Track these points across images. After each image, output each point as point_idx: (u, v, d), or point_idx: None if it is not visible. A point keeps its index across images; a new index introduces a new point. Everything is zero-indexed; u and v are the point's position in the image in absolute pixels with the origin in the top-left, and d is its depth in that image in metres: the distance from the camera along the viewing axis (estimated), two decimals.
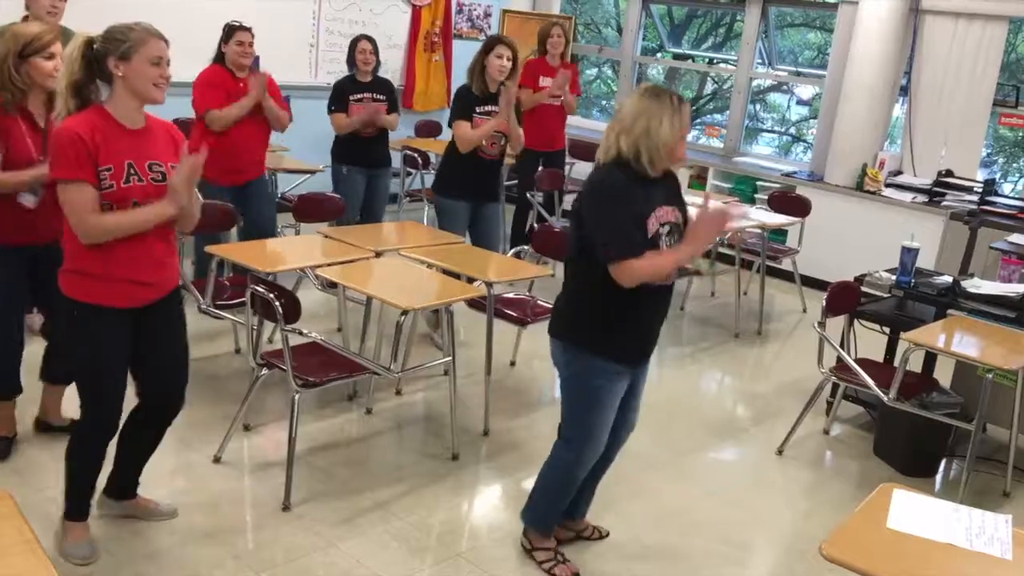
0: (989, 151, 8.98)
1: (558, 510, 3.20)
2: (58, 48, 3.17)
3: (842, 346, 4.31)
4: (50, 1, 3.98)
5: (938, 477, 4.26)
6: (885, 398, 3.96)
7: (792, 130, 10.57)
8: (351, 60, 5.71)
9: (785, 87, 10.06)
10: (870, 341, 4.61)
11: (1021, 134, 8.83)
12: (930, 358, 4.50)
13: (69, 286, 2.78)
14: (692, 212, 2.96)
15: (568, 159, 7.23)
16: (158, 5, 6.23)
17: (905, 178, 6.90)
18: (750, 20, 7.94)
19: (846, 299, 4.33)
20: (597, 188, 2.84)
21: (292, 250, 4.40)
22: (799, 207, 6.47)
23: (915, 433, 4.14)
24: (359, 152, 5.76)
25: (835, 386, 4.55)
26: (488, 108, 4.88)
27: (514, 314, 4.48)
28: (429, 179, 7.49)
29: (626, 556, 3.35)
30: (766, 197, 6.95)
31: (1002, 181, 8.10)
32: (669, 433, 4.32)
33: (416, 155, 6.96)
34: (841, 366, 4.19)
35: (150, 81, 2.72)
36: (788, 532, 3.69)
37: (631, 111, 2.80)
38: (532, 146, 6.34)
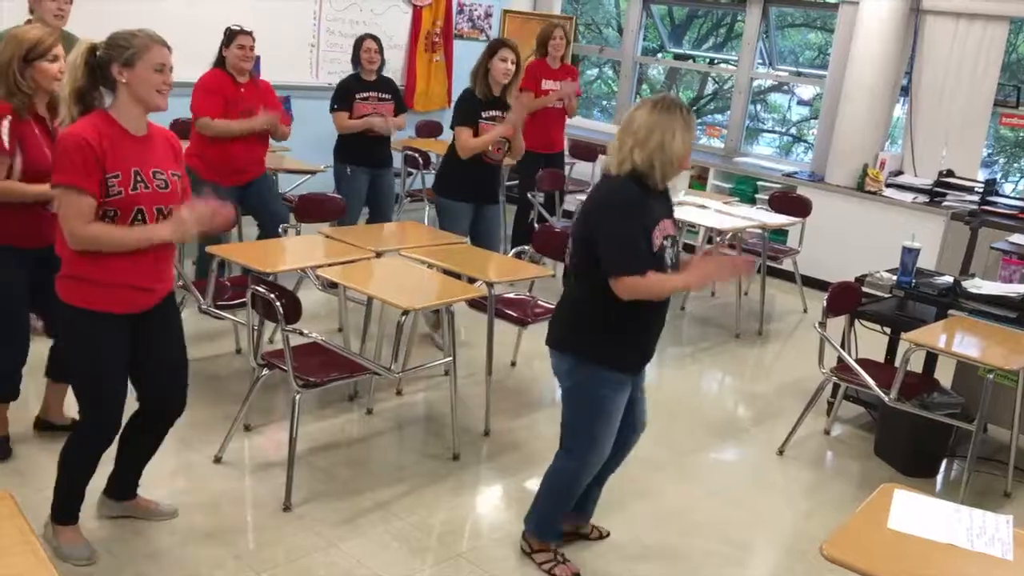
0: (990, 151, 8.98)
1: (560, 519, 3.20)
2: (60, 51, 3.19)
3: (843, 346, 4.31)
4: (56, 4, 3.98)
5: (939, 477, 4.26)
6: (886, 398, 3.96)
7: (793, 130, 10.57)
8: (356, 59, 5.71)
9: (786, 87, 10.06)
10: (871, 341, 4.61)
11: (1022, 134, 8.83)
12: (931, 358, 4.50)
13: (67, 292, 2.78)
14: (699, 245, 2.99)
15: (568, 159, 7.24)
16: (158, 7, 6.24)
17: (906, 178, 6.90)
18: (751, 20, 7.94)
19: (847, 299, 4.33)
20: (612, 200, 2.85)
21: (293, 250, 4.40)
22: (800, 207, 6.47)
23: (916, 433, 4.14)
24: (364, 152, 5.76)
25: (836, 386, 4.55)
26: (493, 113, 4.88)
27: (515, 314, 4.48)
28: (430, 179, 7.49)
29: (627, 556, 3.35)
30: (767, 197, 6.95)
31: (1003, 181, 8.10)
32: (670, 433, 4.32)
33: (417, 155, 6.96)
34: (842, 366, 4.19)
35: (154, 88, 2.73)
36: (789, 532, 3.69)
37: (644, 125, 2.81)
38: (532, 148, 6.33)
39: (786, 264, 6.62)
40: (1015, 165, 9.64)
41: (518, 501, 3.50)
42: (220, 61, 4.99)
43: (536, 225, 6.24)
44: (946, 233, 6.39)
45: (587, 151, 7.71)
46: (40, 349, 3.59)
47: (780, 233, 6.91)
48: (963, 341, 3.98)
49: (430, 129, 7.94)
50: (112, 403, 2.86)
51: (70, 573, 2.88)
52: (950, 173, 6.72)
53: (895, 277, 4.52)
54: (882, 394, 3.97)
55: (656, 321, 2.99)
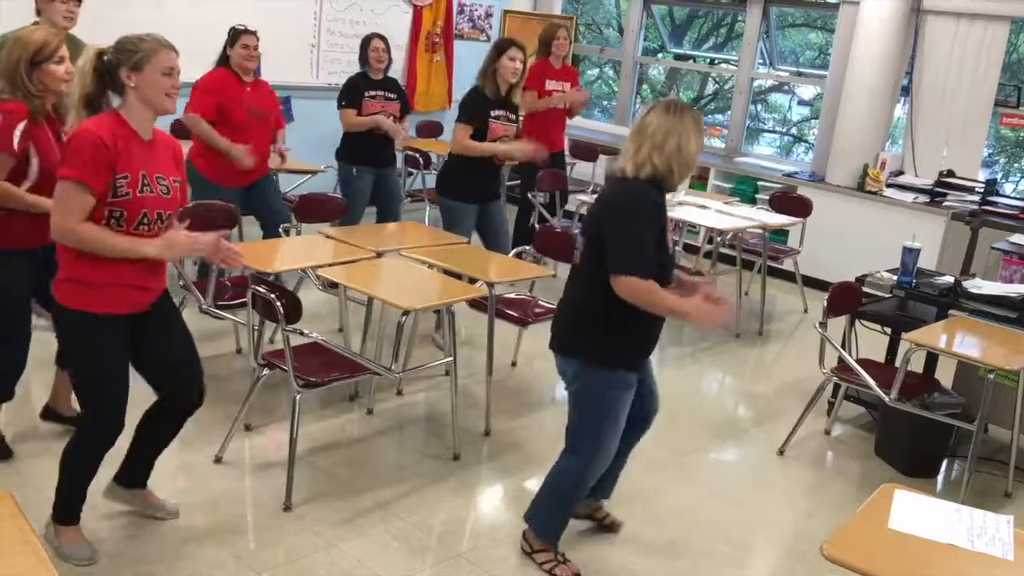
0: (990, 151, 8.98)
1: (564, 519, 3.19)
2: (66, 52, 3.21)
3: (843, 346, 4.31)
4: (66, 7, 4.00)
5: (939, 478, 4.26)
6: (886, 398, 3.96)
7: (793, 130, 10.57)
8: (364, 58, 5.71)
9: (786, 87, 10.06)
10: (871, 341, 4.61)
11: (1022, 134, 8.82)
12: (931, 358, 4.50)
13: (65, 295, 2.78)
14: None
15: (568, 159, 7.24)
16: (160, 7, 6.25)
17: (906, 178, 6.90)
18: (751, 20, 7.94)
19: (847, 299, 4.33)
20: (633, 203, 2.87)
21: (293, 250, 4.40)
22: (800, 207, 6.47)
23: (916, 433, 4.14)
24: (370, 152, 5.76)
25: (836, 386, 4.55)
26: (499, 112, 4.90)
27: (515, 314, 4.48)
28: (430, 179, 7.50)
29: (627, 556, 3.35)
30: (767, 197, 6.95)
31: (1003, 181, 8.10)
32: (670, 433, 4.32)
33: (417, 155, 6.96)
34: (842, 366, 4.19)
35: (162, 91, 2.76)
36: (789, 532, 3.69)
37: (661, 129, 2.86)
38: None
39: (787, 264, 6.62)
40: (1016, 165, 9.64)
41: (518, 501, 3.50)
42: (224, 60, 4.98)
43: (537, 226, 6.24)
44: (947, 233, 6.39)
45: (587, 151, 7.71)
46: (47, 337, 3.56)
47: (781, 233, 6.91)
48: (964, 341, 3.98)
49: (430, 129, 7.95)
50: (114, 403, 2.87)
51: (71, 573, 2.88)
52: (951, 173, 6.72)
53: (896, 277, 4.52)
54: (883, 394, 3.97)
55: (656, 320, 3.00)
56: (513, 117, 5.03)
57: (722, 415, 4.77)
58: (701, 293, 2.92)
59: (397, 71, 7.99)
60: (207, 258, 3.01)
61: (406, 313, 3.65)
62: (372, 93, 5.68)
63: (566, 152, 7.05)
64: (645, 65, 9.57)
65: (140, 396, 3.01)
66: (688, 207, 6.02)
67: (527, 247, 4.97)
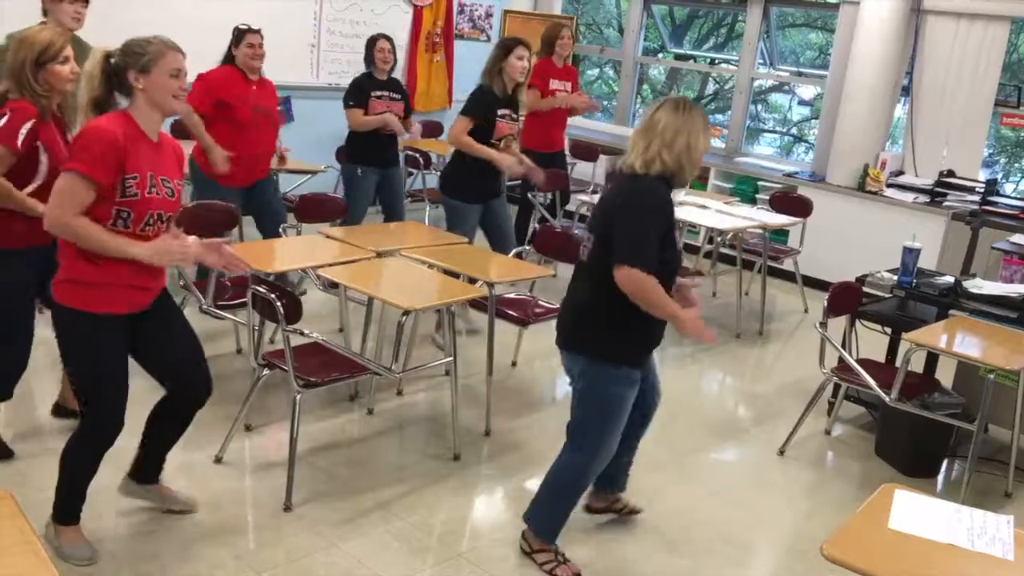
0: (991, 151, 8.98)
1: (565, 516, 3.19)
2: (70, 52, 3.23)
3: (844, 346, 4.31)
4: (74, 8, 4.01)
5: (940, 478, 4.26)
6: (887, 398, 3.96)
7: (794, 130, 10.57)
8: (369, 58, 5.72)
9: (787, 87, 10.06)
10: (871, 341, 4.61)
11: (1022, 134, 8.82)
12: (932, 359, 4.49)
13: (65, 295, 2.78)
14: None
15: (569, 159, 7.23)
16: (160, 7, 6.25)
17: (907, 178, 6.90)
18: (751, 20, 7.94)
19: (848, 299, 4.33)
20: (641, 198, 2.89)
21: (293, 250, 4.40)
22: (800, 207, 6.47)
23: (917, 433, 4.14)
24: (376, 152, 5.76)
25: (836, 386, 4.54)
26: (506, 111, 4.95)
27: (515, 314, 4.48)
28: (431, 179, 7.51)
29: (627, 555, 3.35)
30: (767, 197, 6.95)
31: (1004, 181, 8.10)
32: (670, 433, 4.32)
33: (418, 155, 6.96)
34: (843, 366, 4.19)
35: (170, 93, 2.78)
36: (789, 532, 3.69)
37: (671, 127, 2.89)
38: (533, 147, 6.34)
39: (787, 264, 6.62)
40: (1016, 165, 9.64)
41: (519, 501, 3.50)
42: (229, 59, 4.99)
43: (537, 226, 6.25)
44: (947, 233, 6.39)
45: (587, 151, 7.71)
46: (48, 337, 3.55)
47: (781, 233, 6.91)
48: (964, 341, 3.98)
49: (431, 129, 7.95)
50: (113, 403, 2.87)
51: (71, 573, 2.88)
52: (951, 173, 6.72)
53: (896, 277, 4.52)
54: (883, 394, 3.97)
55: (659, 319, 3.00)
56: (516, 116, 5.06)
57: (722, 415, 4.77)
58: (690, 296, 2.97)
59: (397, 71, 7.99)
60: (209, 263, 3.01)
61: (406, 313, 3.65)
62: (378, 93, 5.69)
63: (566, 152, 7.05)
64: (645, 65, 9.57)
65: (140, 394, 3.01)
66: (688, 207, 6.02)
67: (527, 247, 4.97)
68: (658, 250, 2.85)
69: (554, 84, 6.39)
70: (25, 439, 3.64)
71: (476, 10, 8.70)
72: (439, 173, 7.40)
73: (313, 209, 4.98)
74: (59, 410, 3.81)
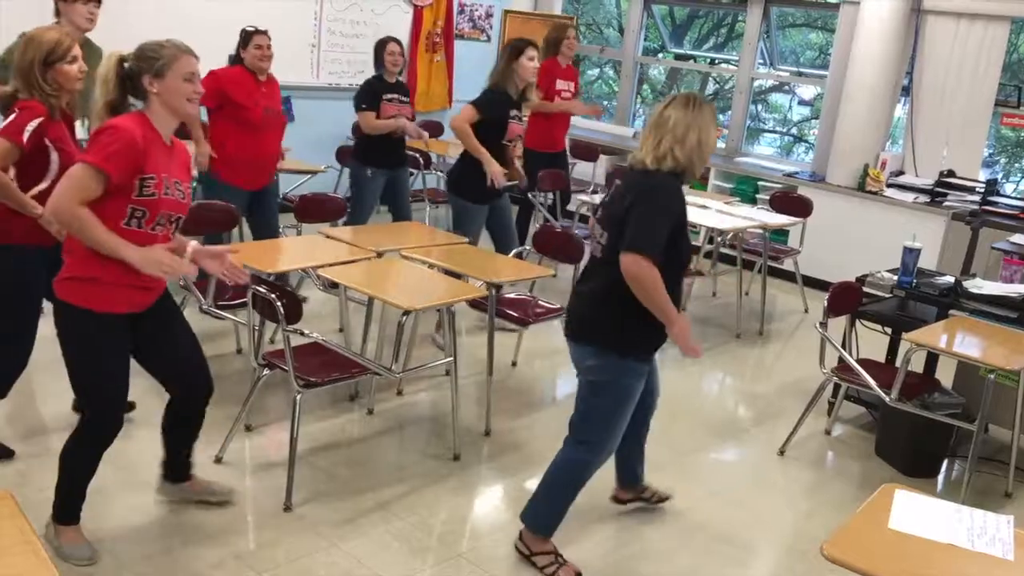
0: (991, 151, 8.98)
1: (563, 513, 3.19)
2: (78, 51, 3.25)
3: (844, 346, 4.31)
4: (88, 9, 4.02)
5: (940, 478, 4.26)
6: (887, 398, 3.96)
7: (794, 130, 10.57)
8: (379, 61, 5.72)
9: (787, 87, 10.07)
10: (872, 341, 4.61)
11: (1023, 134, 8.82)
12: (932, 359, 4.49)
13: (68, 292, 2.78)
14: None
15: (569, 159, 7.23)
16: (160, 7, 6.25)
17: (907, 178, 6.90)
18: (752, 20, 7.94)
19: (848, 299, 4.33)
20: (654, 191, 2.93)
21: (293, 250, 4.40)
22: (801, 207, 6.47)
23: (917, 434, 4.14)
24: (386, 153, 5.78)
25: (837, 386, 4.54)
26: (516, 112, 5.02)
27: (516, 314, 4.48)
28: (431, 179, 7.52)
29: (627, 555, 3.35)
30: (768, 197, 6.95)
31: (1004, 181, 8.10)
32: (670, 433, 4.32)
33: (418, 155, 6.96)
34: (843, 366, 4.19)
35: (184, 97, 2.80)
36: (789, 532, 3.69)
37: (682, 123, 2.94)
38: (536, 147, 6.35)
39: (787, 264, 6.62)
40: (1016, 165, 9.64)
41: (519, 501, 3.49)
42: (237, 60, 4.99)
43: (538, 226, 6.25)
44: (947, 233, 6.39)
45: (588, 151, 7.71)
46: (51, 336, 3.55)
47: (781, 233, 6.91)
48: (964, 341, 3.98)
49: (431, 129, 7.92)
50: (113, 403, 2.88)
51: (71, 573, 2.88)
52: (951, 173, 6.72)
53: (896, 277, 4.52)
54: (883, 394, 3.97)
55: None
56: (523, 117, 5.11)
57: (722, 415, 4.77)
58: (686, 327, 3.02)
59: None
60: (210, 271, 3.03)
61: (406, 313, 3.65)
62: (389, 96, 5.71)
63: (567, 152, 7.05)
64: (645, 65, 9.57)
65: (138, 394, 3.01)
66: (688, 207, 5.98)
67: (527, 247, 4.98)
68: (668, 244, 2.88)
69: (560, 84, 6.41)
70: (25, 439, 3.64)
71: (476, 10, 8.70)
72: (445, 173, 7.44)
73: (313, 209, 4.98)
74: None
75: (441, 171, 7.60)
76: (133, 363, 2.95)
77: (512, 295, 4.78)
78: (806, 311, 6.51)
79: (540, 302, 4.69)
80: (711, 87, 11.00)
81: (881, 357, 4.57)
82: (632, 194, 2.93)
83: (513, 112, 4.97)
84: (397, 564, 3.14)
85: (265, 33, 4.96)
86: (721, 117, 9.97)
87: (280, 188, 6.29)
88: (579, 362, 3.09)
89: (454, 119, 4.94)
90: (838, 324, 4.38)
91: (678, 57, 10.14)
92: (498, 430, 4.20)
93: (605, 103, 10.76)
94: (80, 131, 3.65)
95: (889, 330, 4.59)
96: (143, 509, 3.28)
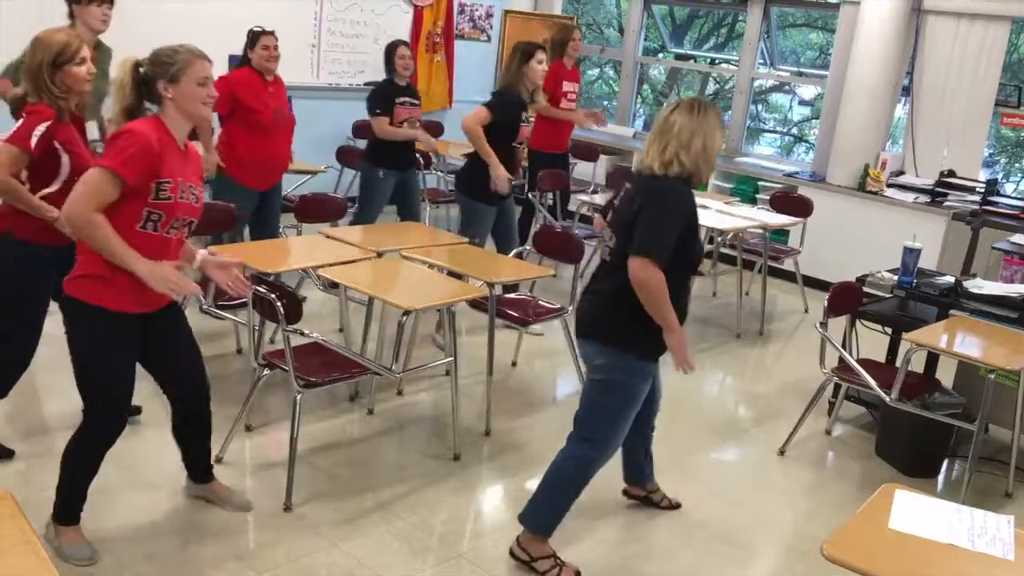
0: (991, 151, 8.98)
1: (562, 513, 3.19)
2: (86, 52, 3.26)
3: (844, 346, 4.31)
4: (101, 10, 4.03)
5: (940, 478, 4.26)
6: (887, 399, 3.96)
7: (794, 130, 10.57)
8: (390, 65, 5.74)
9: (787, 87, 10.07)
10: (872, 341, 4.61)
11: (1023, 134, 8.82)
12: (932, 359, 4.49)
13: (80, 290, 2.79)
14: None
15: (570, 159, 7.23)
16: (159, 8, 6.25)
17: (907, 178, 6.90)
18: (752, 20, 7.94)
19: (848, 299, 4.33)
20: (663, 195, 2.95)
21: (293, 250, 4.40)
22: (801, 207, 6.47)
23: (917, 434, 4.14)
24: (397, 155, 5.80)
25: (837, 386, 4.54)
26: (525, 115, 5.06)
27: (516, 314, 4.48)
28: (431, 180, 7.51)
29: (628, 555, 3.35)
30: (768, 197, 6.95)
31: (1004, 181, 8.10)
32: (671, 433, 4.32)
33: (418, 156, 6.95)
34: (843, 366, 4.18)
35: (199, 101, 2.82)
36: (789, 532, 3.69)
37: (687, 129, 2.96)
38: (541, 148, 6.35)
39: (787, 264, 6.62)
40: (1016, 165, 9.65)
41: (519, 501, 3.49)
42: (245, 61, 5.00)
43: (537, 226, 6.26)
44: (947, 233, 6.39)
45: (588, 151, 7.70)
46: (54, 336, 3.56)
47: (781, 233, 6.91)
48: (964, 341, 3.98)
49: (431, 130, 7.92)
50: (118, 403, 2.90)
51: (71, 573, 2.88)
52: (951, 173, 6.71)
53: (896, 277, 4.52)
54: (883, 394, 3.97)
55: (679, 314, 3.05)
56: (530, 118, 5.18)
57: (722, 415, 4.77)
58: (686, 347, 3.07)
59: None
60: (215, 279, 3.04)
61: (406, 313, 3.65)
62: (401, 100, 5.75)
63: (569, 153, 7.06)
64: (646, 65, 9.57)
65: (145, 399, 3.01)
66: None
67: (527, 247, 4.98)
68: (677, 246, 2.90)
69: (566, 86, 6.42)
70: (26, 439, 3.64)
71: (476, 10, 8.70)
72: (444, 173, 7.46)
73: (313, 209, 4.98)
74: None
75: (441, 171, 7.61)
76: (137, 366, 2.96)
77: (512, 295, 4.78)
78: (806, 311, 6.51)
79: (540, 302, 4.69)
80: (711, 87, 11.00)
81: (881, 357, 4.57)
82: (641, 197, 2.95)
83: (525, 115, 5.04)
84: (398, 564, 3.14)
85: (272, 34, 4.99)
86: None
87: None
88: (588, 361, 3.12)
89: (466, 120, 4.95)
90: (838, 324, 4.38)
91: (678, 57, 10.14)
92: (498, 430, 4.20)
93: (605, 103, 10.76)
94: (91, 131, 3.67)
95: (889, 330, 4.59)
96: (145, 509, 3.28)
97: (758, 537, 3.60)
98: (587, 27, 10.33)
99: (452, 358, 3.95)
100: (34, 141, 3.11)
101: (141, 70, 2.81)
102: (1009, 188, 7.65)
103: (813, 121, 9.70)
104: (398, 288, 3.86)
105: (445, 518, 3.47)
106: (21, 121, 3.13)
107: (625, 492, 3.67)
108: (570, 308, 4.60)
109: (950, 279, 4.58)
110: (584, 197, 6.46)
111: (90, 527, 3.04)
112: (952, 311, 4.30)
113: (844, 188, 6.97)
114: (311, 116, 7.25)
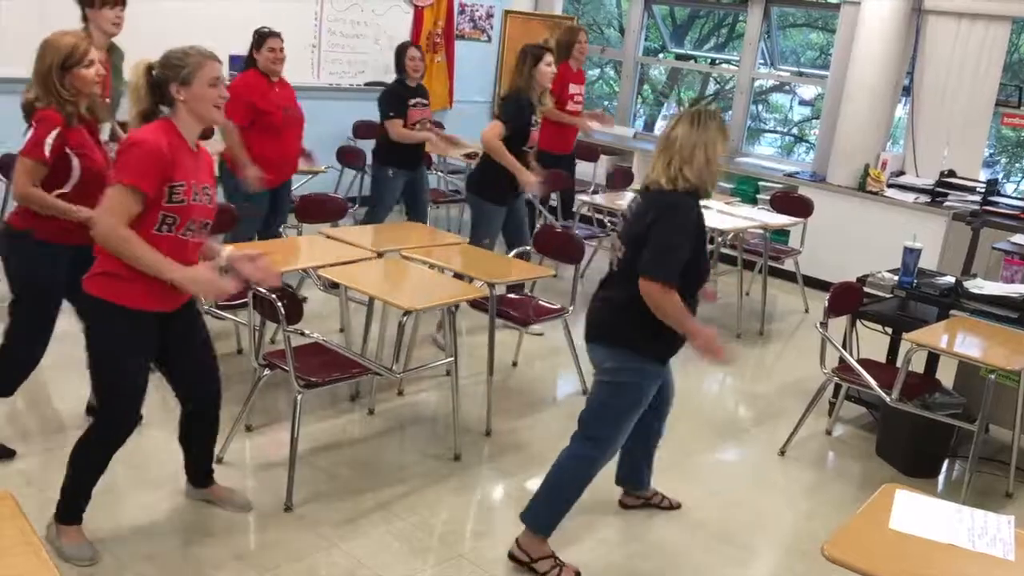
0: (991, 151, 8.98)
1: (563, 512, 3.19)
2: (95, 55, 3.27)
3: (844, 346, 4.31)
4: (114, 13, 4.04)
5: (940, 478, 4.26)
6: (887, 399, 3.96)
7: (794, 130, 10.57)
8: (400, 66, 5.76)
9: (787, 87, 10.07)
10: (872, 342, 4.61)
11: (1023, 134, 8.83)
12: (932, 359, 4.49)
13: (100, 288, 2.80)
14: None
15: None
16: (158, 7, 6.25)
17: (907, 178, 6.90)
18: (752, 20, 7.94)
19: (848, 299, 4.33)
20: (671, 210, 2.97)
21: (294, 250, 4.40)
22: (801, 207, 6.47)
23: (917, 434, 4.14)
24: (408, 155, 5.83)
25: (837, 387, 4.54)
26: (534, 118, 5.08)
27: (516, 315, 4.48)
28: (432, 180, 7.49)
29: (628, 555, 3.35)
30: (768, 197, 6.95)
31: (1004, 181, 8.10)
32: (671, 433, 4.29)
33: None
34: (843, 366, 4.18)
35: (211, 103, 2.83)
36: (790, 532, 3.69)
37: (688, 143, 2.98)
38: (549, 149, 6.34)
39: (787, 264, 6.61)
40: (1017, 165, 9.65)
41: (520, 502, 3.49)
42: (251, 62, 5.00)
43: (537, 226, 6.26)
44: (948, 233, 6.39)
45: (588, 151, 7.70)
46: (62, 336, 3.57)
47: (782, 233, 6.91)
48: (965, 341, 3.98)
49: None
50: (131, 401, 2.91)
51: (72, 573, 2.88)
52: (952, 173, 6.71)
53: (896, 277, 4.52)
54: (884, 394, 3.97)
55: (694, 314, 3.07)
56: (537, 121, 5.19)
57: (723, 415, 4.77)
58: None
59: None
60: (245, 274, 3.03)
61: (407, 313, 3.65)
62: (413, 101, 5.77)
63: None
64: (646, 65, 9.57)
65: (148, 403, 3.01)
66: None
67: (528, 247, 4.98)
68: (687, 261, 2.93)
69: (572, 89, 6.42)
70: (26, 439, 3.64)
71: (477, 10, 8.70)
72: (446, 174, 7.47)
73: (313, 209, 4.98)
74: (92, 410, 3.79)
75: (442, 171, 7.61)
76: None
77: (512, 295, 4.78)
78: (807, 311, 6.51)
79: (540, 302, 4.69)
80: (712, 87, 11.01)
81: (882, 357, 4.57)
82: (654, 211, 2.97)
83: (534, 118, 5.05)
84: (398, 564, 3.14)
85: (279, 36, 4.99)
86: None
87: None
88: (598, 363, 3.14)
89: (485, 135, 4.96)
90: (839, 324, 4.38)
91: (679, 57, 10.15)
92: (499, 430, 4.20)
93: (605, 103, 10.76)
94: (104, 131, 3.67)
95: (890, 330, 4.59)
96: (145, 509, 3.28)
97: (758, 537, 3.60)
98: (588, 27, 10.33)
99: (453, 358, 3.95)
100: (47, 150, 3.13)
101: (154, 73, 2.82)
102: (1009, 188, 7.65)
103: (813, 121, 9.70)
104: (398, 288, 3.86)
105: (445, 518, 3.47)
106: (32, 132, 3.15)
107: (621, 503, 3.65)
108: (570, 308, 4.60)
109: (950, 279, 4.58)
110: (584, 197, 6.45)
111: (91, 527, 3.04)
112: (952, 311, 4.30)
113: (844, 188, 6.97)
114: (311, 116, 7.20)
